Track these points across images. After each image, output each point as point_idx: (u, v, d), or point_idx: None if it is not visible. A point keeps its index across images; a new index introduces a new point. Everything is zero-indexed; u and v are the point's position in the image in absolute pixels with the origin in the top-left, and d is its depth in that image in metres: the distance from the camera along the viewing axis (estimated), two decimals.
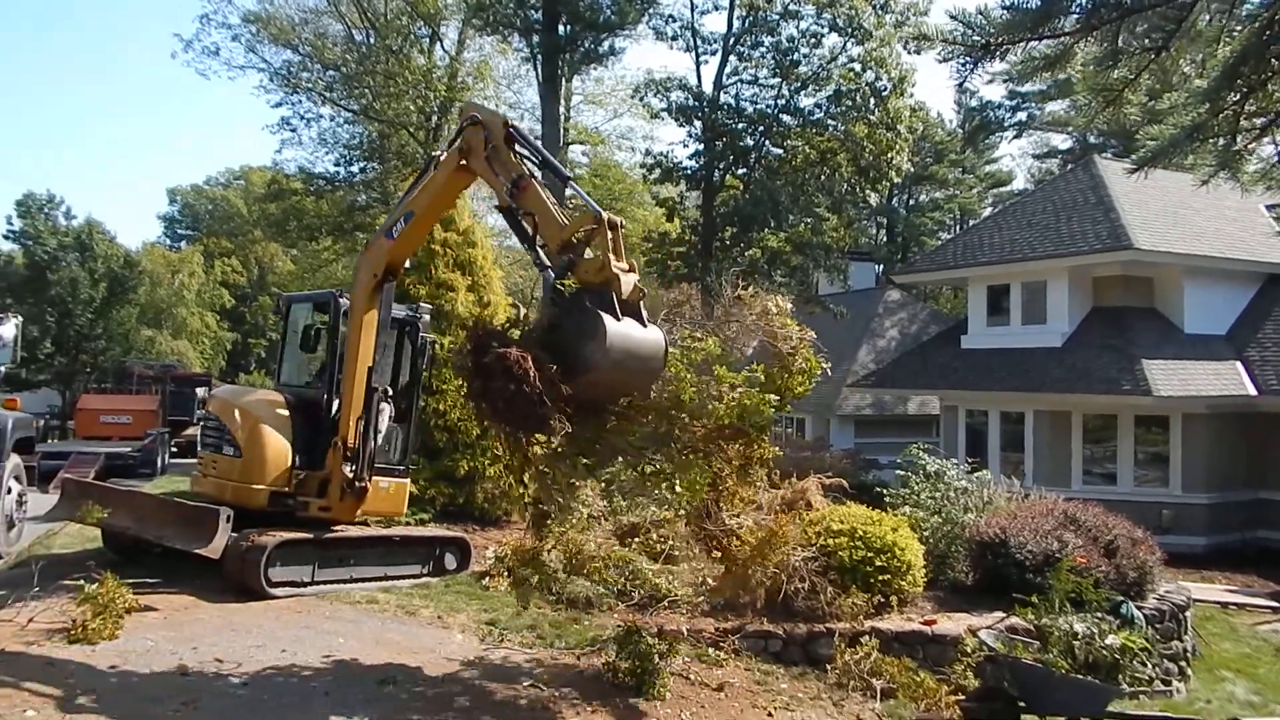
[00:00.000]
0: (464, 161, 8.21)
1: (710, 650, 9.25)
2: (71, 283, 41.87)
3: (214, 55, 30.35)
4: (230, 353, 59.49)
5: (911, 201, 54.17)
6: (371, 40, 30.39)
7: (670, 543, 11.96)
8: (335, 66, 30.37)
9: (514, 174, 7.53)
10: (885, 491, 13.54)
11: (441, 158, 8.75)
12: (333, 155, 32.61)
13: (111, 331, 44.27)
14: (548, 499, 7.53)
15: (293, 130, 31.91)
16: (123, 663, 7.16)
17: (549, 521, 7.87)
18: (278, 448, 10.19)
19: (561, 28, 27.19)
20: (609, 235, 6.62)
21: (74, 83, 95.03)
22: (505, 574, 11.01)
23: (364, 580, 10.24)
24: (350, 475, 9.97)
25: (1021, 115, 51.73)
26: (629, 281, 6.48)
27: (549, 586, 8.82)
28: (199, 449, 11.71)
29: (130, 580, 8.56)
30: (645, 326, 6.56)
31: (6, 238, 45.34)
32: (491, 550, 11.81)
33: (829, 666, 9.15)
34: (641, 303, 6.60)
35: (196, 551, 9.30)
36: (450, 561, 11.16)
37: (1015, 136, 55.17)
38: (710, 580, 10.86)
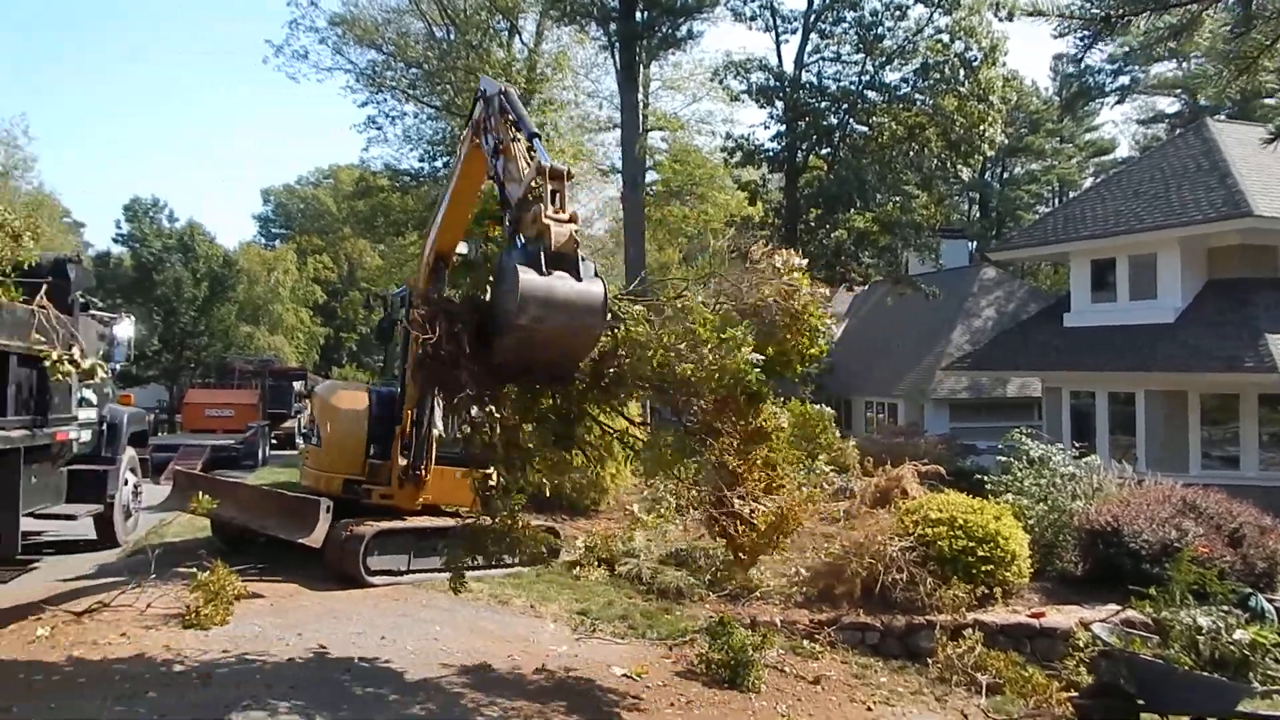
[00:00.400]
0: (476, 139, 7.94)
1: (805, 642, 9.08)
2: (176, 282, 43.81)
3: (303, 59, 31.18)
4: (323, 347, 61.35)
5: (1006, 175, 52.22)
6: (452, 36, 30.76)
7: None
8: (418, 64, 30.86)
9: (497, 137, 7.22)
10: (985, 478, 13.09)
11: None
12: (417, 151, 33.24)
13: (213, 328, 46.17)
14: (497, 470, 7.26)
15: (378, 128, 32.68)
16: (233, 648, 7.38)
17: (493, 493, 7.50)
18: (351, 438, 10.59)
19: (639, 14, 27.00)
20: (548, 185, 6.21)
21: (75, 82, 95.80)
22: (596, 564, 11.04)
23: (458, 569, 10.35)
24: (404, 464, 10.18)
25: (1124, 79, 49.25)
26: (562, 232, 5.98)
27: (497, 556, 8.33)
28: (301, 441, 12.13)
29: (238, 567, 8.86)
30: (580, 279, 6.03)
31: (116, 241, 47.75)
32: (581, 540, 11.82)
33: (930, 660, 8.90)
34: (580, 253, 6.09)
35: (299, 541, 9.56)
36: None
37: (1118, 102, 52.44)
38: (803, 570, 10.71)
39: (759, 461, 7.33)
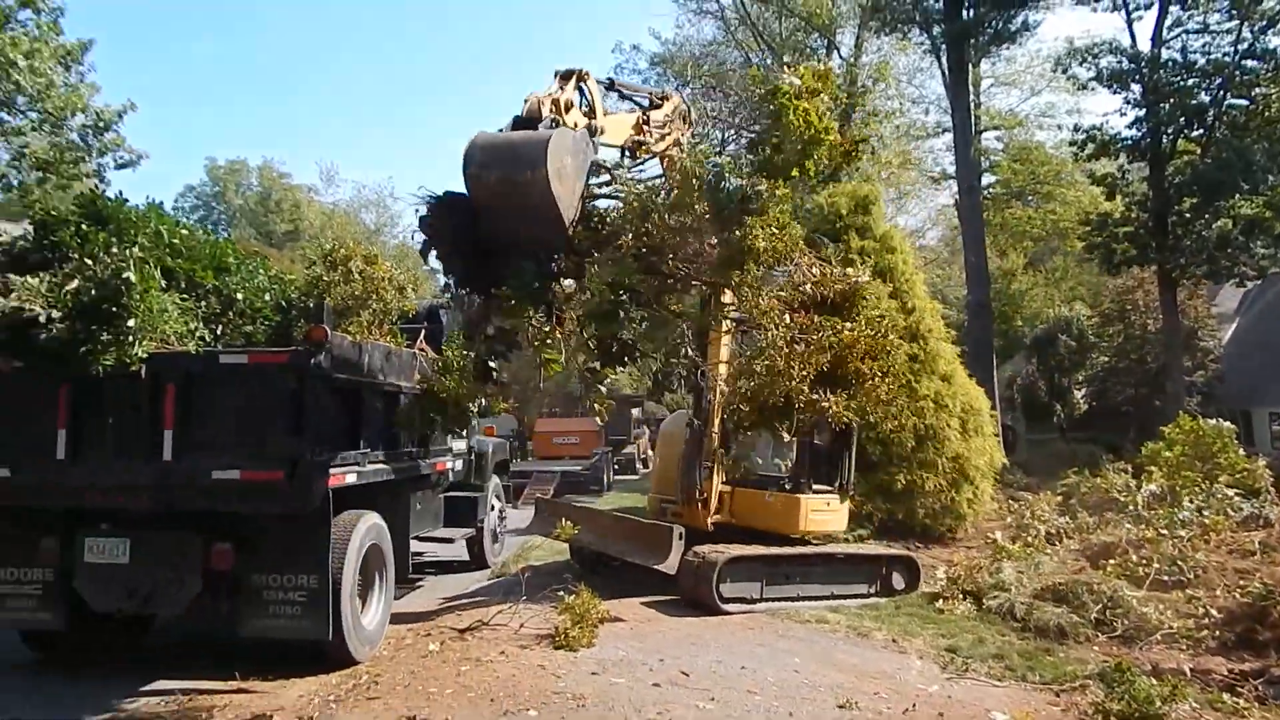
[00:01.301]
0: None
1: (1225, 696, 7.78)
2: None
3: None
4: (655, 376, 64.02)
5: None
6: (769, 61, 31.04)
7: (1156, 565, 10.31)
8: (736, 93, 31.43)
9: None
10: None
11: None
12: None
13: None
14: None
15: None
16: (601, 670, 7.57)
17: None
18: (666, 461, 11.18)
19: (965, 12, 25.50)
20: (558, 83, 7.65)
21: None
22: (960, 596, 10.19)
23: (811, 599, 10.04)
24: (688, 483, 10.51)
25: None
26: (532, 101, 6.97)
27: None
28: (640, 466, 12.65)
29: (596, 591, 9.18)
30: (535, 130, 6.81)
31: None
32: (942, 570, 11.01)
33: None
34: (548, 116, 6.97)
35: (654, 567, 9.77)
36: (898, 581, 10.59)
37: None
38: (1213, 611, 9.16)
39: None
